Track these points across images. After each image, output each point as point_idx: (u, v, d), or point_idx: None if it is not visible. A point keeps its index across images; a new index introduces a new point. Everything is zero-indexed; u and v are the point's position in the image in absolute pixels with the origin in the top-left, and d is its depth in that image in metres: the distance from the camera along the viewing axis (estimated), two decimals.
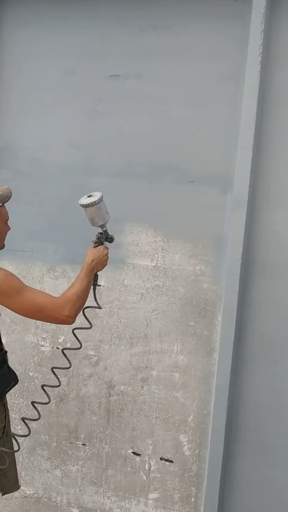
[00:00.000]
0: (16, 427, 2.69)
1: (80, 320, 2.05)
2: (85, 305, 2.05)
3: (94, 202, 1.98)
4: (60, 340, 2.74)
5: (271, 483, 2.46)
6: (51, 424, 2.80)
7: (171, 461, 2.63)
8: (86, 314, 2.13)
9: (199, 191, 2.47)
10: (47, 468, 2.84)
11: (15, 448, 2.09)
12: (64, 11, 2.61)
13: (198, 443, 2.58)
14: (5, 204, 1.99)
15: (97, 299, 2.14)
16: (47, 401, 2.22)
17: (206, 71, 2.42)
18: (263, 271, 2.39)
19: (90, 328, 2.22)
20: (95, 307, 2.17)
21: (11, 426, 2.13)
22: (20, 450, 2.17)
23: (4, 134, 2.76)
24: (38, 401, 2.25)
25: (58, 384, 2.21)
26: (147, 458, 2.67)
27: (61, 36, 2.63)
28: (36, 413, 2.16)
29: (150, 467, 2.66)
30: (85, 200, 2.00)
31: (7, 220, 2.03)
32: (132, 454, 2.69)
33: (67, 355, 2.21)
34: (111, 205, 2.61)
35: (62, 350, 2.24)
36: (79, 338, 2.23)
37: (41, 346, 2.78)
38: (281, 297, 2.39)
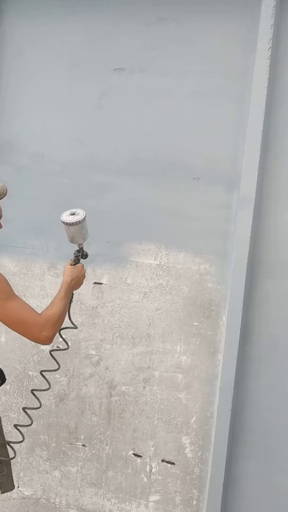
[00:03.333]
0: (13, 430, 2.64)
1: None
2: (61, 327, 2.04)
3: (78, 221, 1.94)
4: (60, 339, 2.69)
5: (275, 487, 2.42)
6: (50, 424, 2.75)
7: (172, 463, 2.58)
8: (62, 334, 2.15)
9: (205, 189, 2.42)
10: (46, 469, 2.79)
11: (11, 455, 2.05)
12: (68, 2, 2.55)
13: (200, 445, 2.53)
14: None
15: (70, 311, 2.10)
16: (38, 405, 2.18)
17: (213, 66, 2.37)
18: (269, 271, 2.35)
19: (68, 348, 2.23)
20: (71, 328, 2.16)
21: (3, 431, 2.09)
22: (18, 450, 2.13)
23: (5, 129, 2.71)
24: (29, 406, 2.22)
25: (48, 387, 2.20)
26: (148, 460, 2.62)
27: (64, 28, 2.57)
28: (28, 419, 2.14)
29: (152, 469, 2.62)
30: (68, 218, 1.95)
31: (0, 217, 1.98)
32: (133, 455, 2.65)
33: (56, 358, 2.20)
34: (114, 202, 2.58)
35: (50, 352, 2.23)
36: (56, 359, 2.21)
37: (41, 345, 2.73)
38: None
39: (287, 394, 2.38)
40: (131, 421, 2.63)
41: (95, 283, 2.62)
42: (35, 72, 2.63)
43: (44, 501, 2.80)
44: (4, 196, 1.94)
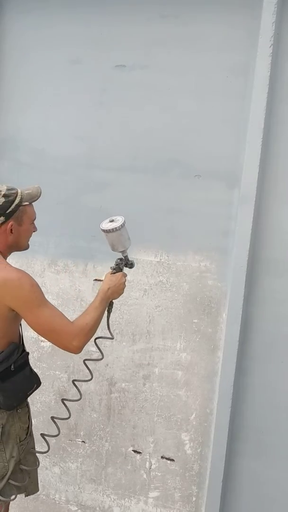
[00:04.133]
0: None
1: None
2: (98, 335, 2.02)
3: (116, 228, 1.90)
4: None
5: (274, 483, 2.43)
6: (50, 420, 2.74)
7: (172, 460, 2.59)
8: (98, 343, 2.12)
9: (205, 186, 2.41)
10: (45, 465, 2.80)
11: (36, 461, 2.11)
12: None
13: (200, 441, 2.54)
14: (33, 204, 1.93)
15: (109, 321, 2.10)
16: (68, 416, 2.19)
17: (215, 63, 2.36)
18: (270, 268, 2.35)
19: (102, 359, 2.19)
20: (108, 338, 2.13)
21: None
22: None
23: (6, 125, 2.70)
24: (57, 417, 2.21)
25: (79, 397, 2.18)
26: (148, 456, 2.63)
27: (66, 24, 2.56)
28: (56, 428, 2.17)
29: (151, 465, 2.63)
30: (106, 225, 1.92)
31: (34, 220, 1.98)
32: (132, 452, 2.65)
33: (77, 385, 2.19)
34: (115, 199, 2.58)
35: (73, 381, 2.21)
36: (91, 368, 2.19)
37: (41, 341, 2.73)
38: None
39: (287, 391, 2.38)
40: (130, 417, 2.63)
41: (96, 280, 2.62)
42: (36, 68, 2.63)
43: (44, 497, 2.81)
44: (37, 199, 1.93)
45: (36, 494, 2.79)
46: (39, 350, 2.75)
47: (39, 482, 2.78)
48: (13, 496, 1.99)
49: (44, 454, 2.77)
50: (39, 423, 2.73)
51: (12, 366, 1.87)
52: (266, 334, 2.38)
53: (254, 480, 2.47)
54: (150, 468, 2.63)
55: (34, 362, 2.75)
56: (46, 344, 2.72)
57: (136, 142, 2.50)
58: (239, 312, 2.35)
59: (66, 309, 2.61)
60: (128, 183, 2.53)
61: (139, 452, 2.64)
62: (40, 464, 2.77)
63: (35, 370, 2.73)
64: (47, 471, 2.80)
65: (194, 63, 2.39)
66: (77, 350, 1.85)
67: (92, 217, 2.59)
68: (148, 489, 2.64)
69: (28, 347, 2.75)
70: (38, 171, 2.67)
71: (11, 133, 2.70)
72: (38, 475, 2.79)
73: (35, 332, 2.67)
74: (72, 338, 1.81)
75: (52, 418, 2.18)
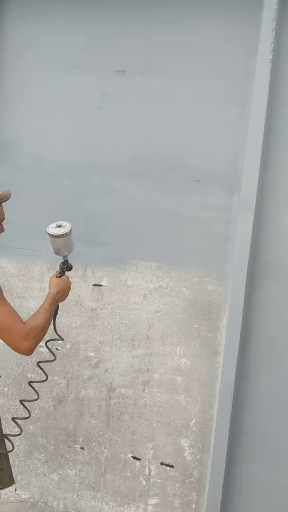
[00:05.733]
0: (13, 429, 2.62)
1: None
2: (48, 338, 2.09)
3: (65, 233, 1.95)
4: (59, 341, 2.68)
5: (275, 489, 2.41)
6: (48, 426, 2.73)
7: (171, 466, 2.57)
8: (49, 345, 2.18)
9: (205, 191, 2.42)
10: (44, 472, 2.77)
11: (9, 448, 2.04)
12: (68, 4, 2.54)
13: (200, 448, 2.52)
14: (2, 205, 1.95)
15: (57, 324, 2.13)
16: (36, 397, 2.19)
17: (215, 68, 2.37)
18: (270, 273, 2.35)
19: (54, 360, 2.22)
20: (57, 339, 2.17)
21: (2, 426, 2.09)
22: (16, 452, 2.12)
23: (5, 130, 2.70)
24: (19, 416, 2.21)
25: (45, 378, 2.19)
26: (147, 463, 2.61)
27: (66, 29, 2.57)
28: (26, 412, 2.15)
29: (150, 472, 2.61)
30: (54, 230, 1.96)
31: (3, 220, 1.98)
32: (131, 458, 2.63)
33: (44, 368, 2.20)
34: (114, 204, 2.58)
35: (38, 363, 2.22)
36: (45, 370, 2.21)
37: (39, 346, 2.69)
38: None
39: (287, 397, 2.38)
40: (130, 423, 2.62)
41: (95, 285, 2.61)
42: (36, 73, 2.63)
43: (42, 505, 2.78)
44: (7, 199, 1.94)
45: (33, 501, 2.79)
46: (37, 355, 2.72)
47: (37, 489, 2.77)
48: None
49: (43, 461, 2.76)
50: (37, 429, 2.71)
51: None
52: (267, 339, 2.37)
53: (254, 487, 2.45)
54: (150, 474, 2.61)
55: (32, 368, 2.73)
56: (44, 349, 2.70)
57: (136, 147, 2.50)
58: (239, 317, 2.35)
59: (66, 314, 2.60)
60: (128, 188, 2.53)
61: (138, 459, 2.62)
62: (39, 471, 2.77)
63: (33, 376, 2.73)
64: (45, 478, 2.77)
65: (194, 69, 2.40)
66: (28, 351, 1.86)
67: (92, 222, 2.59)
68: (148, 496, 2.62)
69: None
70: (38, 175, 2.66)
71: (10, 138, 2.70)
72: (36, 481, 2.78)
73: None
74: (23, 338, 1.83)
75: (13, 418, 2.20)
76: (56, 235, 1.96)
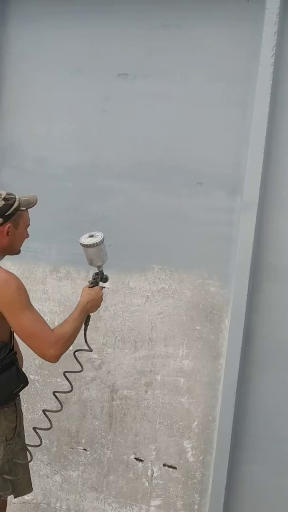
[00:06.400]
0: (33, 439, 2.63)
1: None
2: (76, 348, 2.10)
3: (96, 243, 1.97)
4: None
5: (277, 491, 2.42)
6: (51, 428, 2.73)
7: (174, 468, 2.58)
8: (77, 356, 2.19)
9: (208, 193, 2.43)
10: (46, 473, 2.78)
11: (28, 457, 2.07)
12: (71, 7, 2.56)
13: (202, 449, 2.53)
14: (28, 211, 1.99)
15: (87, 331, 2.15)
16: (59, 408, 2.21)
17: (217, 72, 2.38)
18: (272, 275, 2.35)
19: (81, 371, 2.24)
20: (86, 350, 2.18)
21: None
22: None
23: (8, 132, 2.71)
24: (48, 408, 2.24)
25: (70, 389, 2.21)
26: (149, 464, 2.62)
27: (68, 33, 2.58)
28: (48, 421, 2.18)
29: (153, 473, 2.61)
30: (86, 240, 1.99)
31: (28, 226, 2.01)
32: (134, 460, 2.64)
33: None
34: (117, 206, 2.59)
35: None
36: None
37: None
38: None
39: None
40: (132, 425, 2.62)
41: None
42: (39, 76, 2.64)
43: (45, 506, 2.79)
44: (33, 205, 1.97)
45: (36, 502, 2.79)
46: (40, 357, 2.74)
47: (40, 490, 2.78)
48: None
49: (45, 462, 2.77)
50: (40, 430, 2.71)
51: None
52: (269, 341, 2.38)
53: (257, 488, 2.46)
54: (152, 476, 2.62)
55: (35, 370, 2.74)
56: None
57: (139, 150, 2.52)
58: (241, 319, 2.35)
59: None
60: (131, 191, 2.54)
61: (141, 460, 2.63)
62: (41, 472, 2.77)
63: (36, 377, 2.74)
64: (48, 480, 2.78)
65: (196, 72, 2.41)
66: (54, 358, 1.86)
67: (95, 224, 2.59)
68: (150, 497, 2.62)
69: (29, 355, 2.74)
70: (41, 178, 2.67)
71: (14, 141, 2.71)
72: (39, 483, 2.79)
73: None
74: (50, 345, 1.83)
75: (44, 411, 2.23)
76: (87, 245, 1.97)
